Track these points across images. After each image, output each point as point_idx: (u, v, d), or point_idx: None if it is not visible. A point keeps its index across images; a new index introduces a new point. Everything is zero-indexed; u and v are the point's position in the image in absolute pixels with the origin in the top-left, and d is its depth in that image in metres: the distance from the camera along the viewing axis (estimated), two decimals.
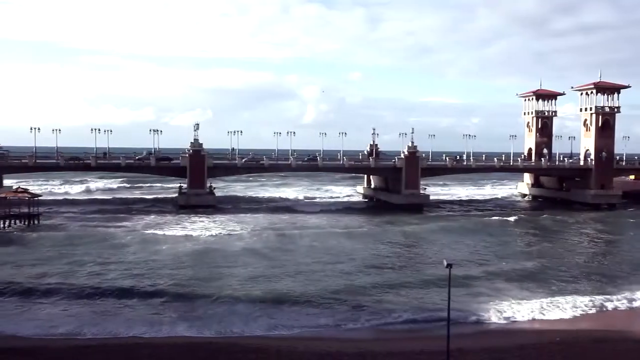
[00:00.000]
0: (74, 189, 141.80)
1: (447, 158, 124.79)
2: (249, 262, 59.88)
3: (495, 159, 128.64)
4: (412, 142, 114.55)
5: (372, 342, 37.19)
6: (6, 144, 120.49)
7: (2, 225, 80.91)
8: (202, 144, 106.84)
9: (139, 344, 35.12)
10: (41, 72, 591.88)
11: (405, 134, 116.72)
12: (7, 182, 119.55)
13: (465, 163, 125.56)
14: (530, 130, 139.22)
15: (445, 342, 30.01)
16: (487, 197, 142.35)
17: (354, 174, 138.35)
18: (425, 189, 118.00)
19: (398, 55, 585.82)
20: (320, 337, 38.05)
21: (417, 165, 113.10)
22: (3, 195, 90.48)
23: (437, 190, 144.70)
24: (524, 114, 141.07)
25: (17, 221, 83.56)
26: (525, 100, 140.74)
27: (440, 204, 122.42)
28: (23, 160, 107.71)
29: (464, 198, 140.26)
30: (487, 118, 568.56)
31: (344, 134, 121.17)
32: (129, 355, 32.89)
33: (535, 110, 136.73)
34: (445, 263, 29.94)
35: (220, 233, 78.28)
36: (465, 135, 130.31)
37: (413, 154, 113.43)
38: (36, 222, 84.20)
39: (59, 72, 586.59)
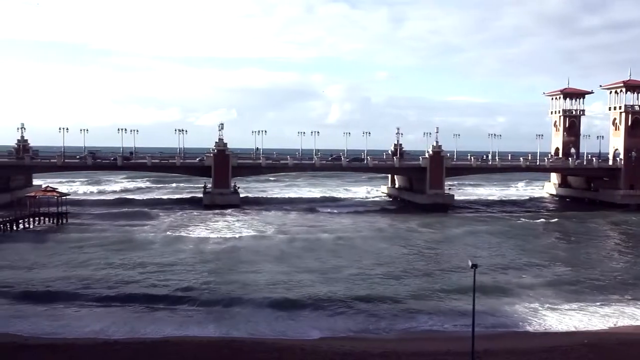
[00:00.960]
0: (101, 188, 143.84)
1: (472, 158, 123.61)
2: (274, 262, 59.97)
3: (521, 158, 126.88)
4: (437, 142, 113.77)
5: (397, 342, 36.97)
6: (35, 144, 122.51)
7: (32, 224, 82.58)
8: (226, 143, 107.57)
9: (165, 342, 35.44)
10: (70, 73, 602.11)
11: (430, 134, 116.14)
12: (36, 181, 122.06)
13: (490, 163, 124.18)
14: (557, 130, 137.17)
15: (470, 343, 29.69)
16: (513, 198, 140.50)
17: (378, 174, 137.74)
18: (449, 189, 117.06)
19: (422, 55, 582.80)
20: (344, 337, 37.95)
21: (442, 165, 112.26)
22: (33, 194, 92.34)
23: (461, 190, 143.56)
24: (551, 113, 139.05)
25: (46, 220, 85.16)
26: (552, 99, 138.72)
27: (465, 204, 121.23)
28: (52, 160, 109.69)
29: (489, 198, 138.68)
30: (513, 117, 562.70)
31: (368, 134, 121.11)
32: (155, 353, 33.20)
33: (563, 109, 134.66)
34: (470, 264, 29.63)
35: (245, 233, 78.60)
36: (490, 134, 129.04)
37: (437, 154, 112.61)
38: (64, 221, 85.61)
39: (88, 73, 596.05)
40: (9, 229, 77.18)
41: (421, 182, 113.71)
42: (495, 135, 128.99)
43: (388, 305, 45.04)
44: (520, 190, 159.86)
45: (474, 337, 29.60)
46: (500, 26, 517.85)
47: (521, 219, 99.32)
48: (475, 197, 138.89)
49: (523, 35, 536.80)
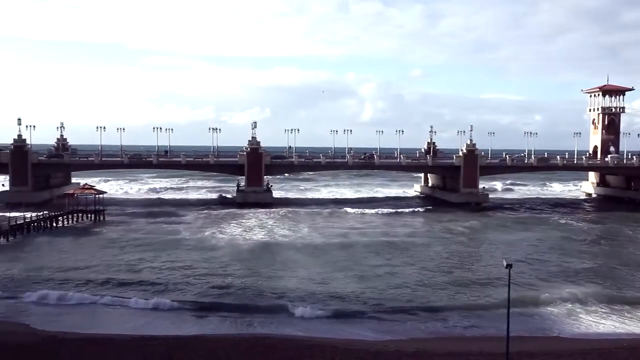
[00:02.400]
0: (136, 186, 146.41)
1: (506, 156, 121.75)
2: (308, 261, 60.06)
3: (558, 157, 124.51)
4: (471, 140, 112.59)
5: (430, 341, 36.68)
6: (74, 143, 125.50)
7: (70, 221, 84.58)
8: (259, 142, 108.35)
9: (199, 339, 35.88)
10: (108, 73, 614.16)
11: (464, 132, 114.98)
12: (74, 179, 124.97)
13: (526, 161, 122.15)
14: (595, 128, 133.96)
15: (504, 344, 29.25)
16: (550, 197, 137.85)
17: (411, 172, 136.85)
18: (484, 187, 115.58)
19: (457, 52, 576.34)
20: (376, 336, 37.82)
21: (476, 164, 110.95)
22: (71, 191, 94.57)
23: (496, 189, 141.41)
24: (589, 110, 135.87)
25: (84, 217, 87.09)
26: (590, 96, 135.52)
27: (500, 203, 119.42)
28: (90, 158, 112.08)
29: (524, 197, 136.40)
30: (550, 115, 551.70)
31: (401, 132, 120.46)
32: (189, 349, 33.63)
33: (602, 107, 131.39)
34: (504, 263, 29.19)
35: (278, 232, 78.93)
36: (526, 132, 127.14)
37: (471, 152, 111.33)
38: (101, 218, 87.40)
39: (124, 72, 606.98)
40: (48, 225, 79.16)
41: (455, 180, 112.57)
42: (531, 133, 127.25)
43: (420, 304, 44.73)
44: (556, 189, 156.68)
45: (509, 338, 29.12)
46: (537, 22, 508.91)
47: (558, 218, 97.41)
48: (510, 196, 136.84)
49: (560, 31, 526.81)
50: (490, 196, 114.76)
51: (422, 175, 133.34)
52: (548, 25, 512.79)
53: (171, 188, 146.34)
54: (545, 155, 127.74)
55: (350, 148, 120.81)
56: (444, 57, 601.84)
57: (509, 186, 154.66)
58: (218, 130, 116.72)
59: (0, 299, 44.89)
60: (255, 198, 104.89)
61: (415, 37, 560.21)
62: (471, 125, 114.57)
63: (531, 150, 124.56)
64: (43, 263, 57.40)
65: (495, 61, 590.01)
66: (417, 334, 38.67)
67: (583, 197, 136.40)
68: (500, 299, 43.29)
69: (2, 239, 68.10)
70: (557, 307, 44.38)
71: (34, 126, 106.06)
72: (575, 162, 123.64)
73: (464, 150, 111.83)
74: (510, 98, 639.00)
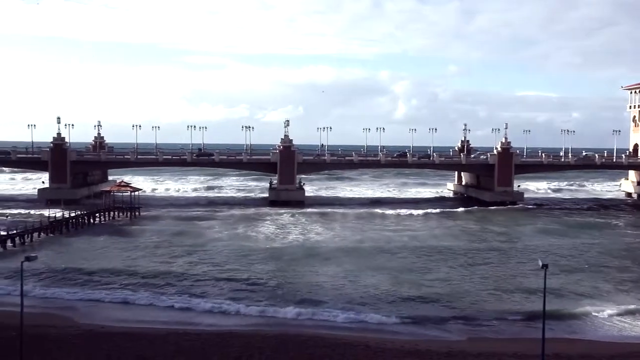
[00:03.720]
0: (171, 184, 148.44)
1: (542, 154, 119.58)
2: (341, 259, 60.01)
3: (596, 155, 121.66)
4: (506, 138, 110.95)
5: (463, 342, 36.33)
6: (110, 141, 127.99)
7: (108, 217, 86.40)
8: (292, 140, 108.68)
9: (232, 334, 36.24)
10: (144, 72, 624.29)
11: (499, 130, 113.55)
12: (111, 176, 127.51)
13: (562, 160, 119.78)
14: (636, 125, 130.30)
15: (540, 345, 28.76)
16: (588, 196, 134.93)
17: (444, 171, 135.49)
18: (519, 186, 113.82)
19: (493, 48, 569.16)
20: (409, 335, 37.62)
21: (511, 162, 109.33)
22: (108, 189, 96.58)
23: (532, 188, 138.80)
24: (630, 107, 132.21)
25: (121, 213, 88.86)
26: (631, 92, 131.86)
27: (536, 202, 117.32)
28: (126, 156, 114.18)
29: (561, 197, 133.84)
30: (588, 112, 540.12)
31: (434, 130, 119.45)
32: (222, 344, 34.02)
33: None
34: (540, 263, 28.70)
35: (311, 230, 79.13)
36: (563, 130, 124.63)
37: (506, 150, 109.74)
38: (137, 214, 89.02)
39: (160, 72, 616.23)
40: (86, 222, 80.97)
41: (489, 179, 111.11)
42: (568, 131, 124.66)
43: (455, 304, 44.37)
44: (595, 188, 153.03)
45: (544, 340, 28.61)
46: (576, 17, 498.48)
47: (596, 218, 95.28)
48: (546, 195, 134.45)
49: (601, 26, 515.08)
50: (525, 195, 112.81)
51: (455, 173, 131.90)
52: (588, 19, 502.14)
53: (204, 185, 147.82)
54: (583, 154, 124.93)
55: (383, 146, 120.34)
56: (479, 54, 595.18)
57: (545, 185, 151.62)
58: (251, 129, 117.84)
59: (44, 293, 46.10)
60: (287, 196, 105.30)
61: (450, 34, 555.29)
62: (506, 123, 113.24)
63: (568, 149, 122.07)
64: (82, 259, 58.78)
65: (532, 57, 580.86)
66: (449, 334, 38.37)
67: (623, 196, 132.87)
68: (535, 300, 42.89)
69: (42, 235, 69.92)
70: (597, 309, 43.28)
71: (73, 125, 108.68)
72: (614, 160, 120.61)
73: (499, 149, 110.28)
74: (547, 95, 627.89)
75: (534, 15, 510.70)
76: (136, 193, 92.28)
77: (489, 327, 39.98)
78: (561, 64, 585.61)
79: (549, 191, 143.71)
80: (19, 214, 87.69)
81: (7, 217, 75.86)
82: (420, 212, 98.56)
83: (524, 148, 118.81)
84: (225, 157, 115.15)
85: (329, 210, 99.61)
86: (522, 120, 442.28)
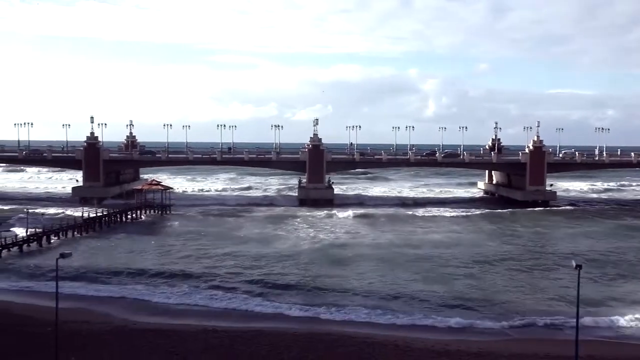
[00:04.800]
0: (201, 182, 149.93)
1: (576, 153, 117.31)
2: (371, 258, 59.87)
3: (632, 153, 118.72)
4: (538, 136, 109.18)
5: (493, 343, 35.89)
6: (142, 140, 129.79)
7: (139, 215, 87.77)
8: (321, 139, 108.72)
9: (260, 332, 36.45)
10: (175, 72, 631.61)
11: (530, 128, 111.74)
12: (142, 175, 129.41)
13: (597, 158, 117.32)
14: None
15: (572, 346, 28.24)
16: (622, 196, 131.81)
17: (474, 170, 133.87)
18: (551, 185, 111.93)
19: (524, 46, 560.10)
20: (439, 335, 37.33)
21: (543, 161, 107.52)
22: (140, 187, 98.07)
23: (564, 187, 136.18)
24: None
25: (152, 211, 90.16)
26: None
27: (568, 201, 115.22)
28: (157, 155, 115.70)
29: (595, 196, 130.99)
30: (624, 110, 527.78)
31: (464, 128, 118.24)
32: (250, 342, 34.24)
33: None
34: (574, 264, 28.17)
35: (340, 228, 79.10)
36: (597, 128, 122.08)
37: (538, 149, 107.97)
38: (168, 212, 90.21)
39: (190, 71, 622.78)
40: (119, 219, 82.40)
41: (520, 178, 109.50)
42: (602, 129, 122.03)
43: (487, 305, 43.90)
44: (630, 187, 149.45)
45: (578, 341, 28.07)
46: (612, 13, 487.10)
47: (632, 219, 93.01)
48: (580, 195, 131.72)
49: (637, 22, 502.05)
50: (558, 194, 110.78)
51: (486, 172, 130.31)
52: (624, 15, 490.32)
53: (234, 184, 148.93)
54: (619, 152, 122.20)
55: (412, 145, 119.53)
56: (511, 52, 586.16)
57: (579, 185, 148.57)
58: (280, 127, 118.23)
59: (78, 289, 47.05)
60: (316, 195, 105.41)
61: (480, 32, 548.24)
62: (538, 121, 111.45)
63: (603, 147, 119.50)
64: (115, 256, 59.88)
65: (566, 55, 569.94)
66: (480, 335, 37.92)
67: None
68: (568, 300, 42.31)
69: (76, 233, 71.35)
70: (631, 311, 42.38)
71: (106, 124, 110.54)
72: None
73: (531, 147, 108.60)
74: (581, 93, 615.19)
75: (567, 11, 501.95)
76: (167, 191, 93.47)
77: (521, 328, 39.40)
78: (595, 61, 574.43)
79: (583, 191, 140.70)
80: (54, 212, 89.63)
81: (42, 215, 77.61)
82: (451, 211, 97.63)
83: (556, 146, 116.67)
84: (254, 156, 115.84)
85: (359, 209, 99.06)
86: (555, 119, 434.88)
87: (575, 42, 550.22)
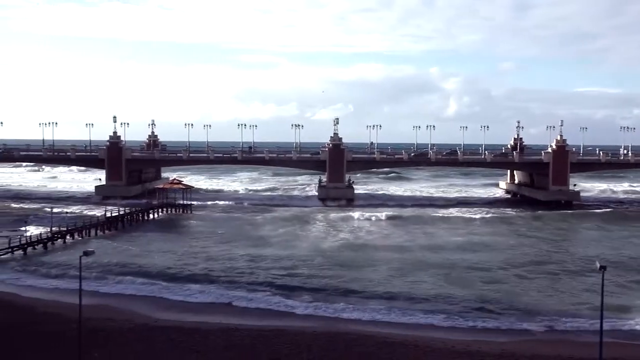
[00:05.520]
0: (222, 181, 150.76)
1: (600, 152, 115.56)
2: (391, 258, 59.62)
3: None
4: (561, 136, 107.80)
5: (516, 344, 35.50)
6: (164, 139, 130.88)
7: (161, 213, 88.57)
8: (341, 138, 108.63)
9: (282, 331, 36.55)
10: (196, 71, 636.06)
11: (554, 127, 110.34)
12: (164, 174, 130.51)
13: (622, 158, 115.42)
14: None
15: (596, 349, 27.83)
16: None
17: (496, 169, 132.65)
18: (575, 185, 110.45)
19: (549, 43, 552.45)
20: (461, 335, 37.06)
21: (566, 160, 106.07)
22: (161, 186, 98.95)
23: (588, 187, 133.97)
24: None
25: (173, 210, 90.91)
26: None
27: (593, 202, 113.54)
28: (178, 154, 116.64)
29: (620, 197, 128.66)
30: None
31: (486, 128, 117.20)
32: (272, 341, 34.36)
33: None
34: (597, 265, 27.77)
35: (360, 228, 78.92)
36: (622, 127, 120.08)
37: (562, 148, 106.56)
38: (189, 211, 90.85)
39: (212, 71, 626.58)
40: (141, 218, 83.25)
41: (543, 178, 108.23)
42: (628, 128, 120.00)
43: (509, 306, 43.47)
44: None
45: (602, 344, 27.65)
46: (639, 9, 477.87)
47: None
48: (604, 196, 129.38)
49: None
50: (582, 195, 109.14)
51: (508, 172, 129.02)
52: None
53: (254, 183, 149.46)
54: None
55: (433, 144, 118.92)
56: (535, 50, 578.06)
57: (604, 185, 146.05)
58: (300, 127, 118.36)
59: (101, 287, 47.69)
60: (336, 194, 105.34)
61: (503, 30, 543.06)
62: (561, 120, 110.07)
63: (628, 146, 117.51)
64: (136, 254, 60.50)
65: (592, 52, 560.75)
66: (502, 336, 37.57)
67: None
68: (593, 302, 41.61)
69: (99, 231, 72.24)
70: None
71: (128, 124, 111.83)
72: None
73: (554, 146, 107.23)
74: (607, 91, 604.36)
75: (594, 8, 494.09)
76: (188, 190, 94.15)
77: (544, 329, 38.97)
78: (622, 58, 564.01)
79: (608, 191, 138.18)
80: (78, 210, 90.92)
81: (66, 213, 78.72)
82: (472, 211, 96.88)
83: (580, 146, 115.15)
84: (274, 155, 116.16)
85: (379, 208, 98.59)
86: (579, 117, 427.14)
87: (602, 40, 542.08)
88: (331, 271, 53.65)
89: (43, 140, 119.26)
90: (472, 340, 35.86)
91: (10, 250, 58.45)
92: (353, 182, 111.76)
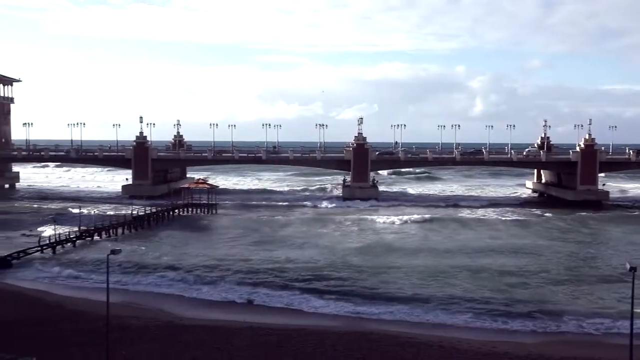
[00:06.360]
0: (246, 181, 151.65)
1: (630, 151, 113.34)
2: (416, 258, 59.21)
3: None
4: (589, 134, 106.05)
5: (543, 345, 34.97)
6: (189, 139, 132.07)
7: (186, 213, 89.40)
8: (365, 137, 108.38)
9: (305, 329, 36.58)
10: (221, 71, 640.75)
11: (582, 126, 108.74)
12: (189, 174, 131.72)
13: None
14: None
15: (627, 352, 27.25)
16: None
17: (522, 168, 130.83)
18: (603, 185, 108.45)
19: (576, 41, 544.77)
20: (487, 336, 36.64)
21: (595, 159, 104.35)
22: (187, 185, 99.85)
23: (618, 187, 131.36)
24: None
25: (198, 210, 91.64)
26: None
27: (622, 202, 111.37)
28: (203, 154, 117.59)
29: None
30: None
31: (512, 127, 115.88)
32: (296, 339, 34.38)
33: None
34: (628, 266, 27.19)
35: (385, 228, 78.55)
36: None
37: (590, 147, 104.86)
38: (214, 211, 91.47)
39: (237, 71, 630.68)
40: (167, 217, 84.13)
41: (571, 177, 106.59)
42: None
43: (537, 307, 42.84)
44: None
45: (632, 347, 27.08)
46: None
47: None
48: (634, 195, 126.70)
49: None
50: (611, 195, 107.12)
51: (534, 171, 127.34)
52: None
53: (279, 183, 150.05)
54: None
55: (458, 143, 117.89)
56: (562, 47, 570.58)
57: (633, 184, 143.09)
58: (325, 126, 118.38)
59: (127, 285, 48.32)
60: (361, 194, 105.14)
61: (530, 27, 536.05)
62: (590, 119, 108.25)
63: None
64: (162, 253, 61.07)
65: (621, 49, 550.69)
66: (529, 337, 37.09)
67: None
68: (624, 304, 40.73)
69: (126, 230, 73.18)
70: None
71: (154, 124, 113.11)
72: None
73: (582, 145, 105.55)
74: (636, 89, 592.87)
75: (624, 4, 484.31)
76: (213, 190, 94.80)
77: (572, 332, 38.35)
78: None
79: (638, 191, 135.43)
80: (105, 209, 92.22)
81: (94, 211, 79.91)
82: (499, 211, 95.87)
83: (609, 145, 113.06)
84: (299, 155, 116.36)
85: (404, 209, 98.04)
86: (609, 116, 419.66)
87: (631, 36, 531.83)
88: (355, 271, 53.44)
89: (71, 140, 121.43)
90: (499, 341, 35.40)
91: (39, 248, 59.56)
92: (377, 181, 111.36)
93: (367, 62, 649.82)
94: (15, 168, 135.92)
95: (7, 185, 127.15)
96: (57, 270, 53.78)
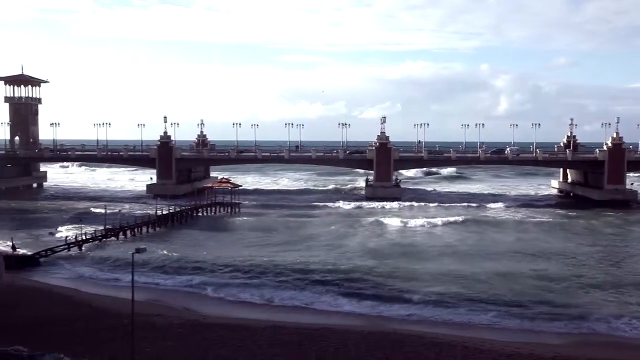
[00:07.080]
0: (269, 180, 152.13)
1: None
2: (439, 259, 58.96)
3: None
4: (617, 133, 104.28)
5: (569, 347, 34.47)
6: (212, 139, 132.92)
7: (209, 212, 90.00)
8: (388, 136, 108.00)
9: (327, 328, 36.55)
10: (244, 72, 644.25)
11: (609, 124, 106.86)
12: (212, 173, 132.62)
13: None
14: None
15: None
16: None
17: (547, 168, 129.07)
18: (632, 184, 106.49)
19: (604, 38, 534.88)
20: (511, 337, 36.26)
21: (623, 158, 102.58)
22: (210, 185, 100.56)
23: None
24: None
25: (221, 209, 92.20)
26: None
27: None
28: (226, 153, 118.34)
29: None
30: None
31: (537, 125, 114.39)
32: (319, 339, 34.36)
33: None
34: None
35: (408, 228, 78.12)
36: None
37: (618, 146, 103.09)
38: (237, 210, 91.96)
39: (259, 71, 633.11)
40: (191, 216, 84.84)
41: (598, 176, 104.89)
42: None
43: (563, 308, 42.34)
44: None
45: None
46: None
47: None
48: None
49: None
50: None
51: (560, 170, 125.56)
52: None
53: (301, 183, 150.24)
54: None
55: (482, 142, 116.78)
56: (589, 45, 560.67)
57: None
58: (347, 126, 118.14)
59: (152, 283, 48.87)
60: (384, 193, 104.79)
61: (556, 25, 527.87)
62: (617, 117, 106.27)
63: None
64: (185, 252, 61.58)
65: None
66: (556, 339, 36.60)
67: None
68: None
69: (150, 229, 73.98)
70: None
71: (178, 124, 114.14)
72: None
73: (609, 144, 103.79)
74: None
75: None
76: (236, 189, 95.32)
77: (600, 334, 37.78)
78: None
79: None
80: (130, 208, 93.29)
81: (119, 210, 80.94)
82: (526, 211, 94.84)
83: (637, 144, 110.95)
84: (321, 154, 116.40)
85: (428, 209, 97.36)
86: (636, 114, 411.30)
87: None
88: (378, 270, 53.29)
89: (97, 140, 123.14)
90: (524, 342, 34.97)
91: (67, 246, 60.53)
92: (400, 181, 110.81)
93: (390, 61, 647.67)
94: (43, 168, 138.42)
95: (35, 185, 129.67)
96: (85, 268, 54.66)
